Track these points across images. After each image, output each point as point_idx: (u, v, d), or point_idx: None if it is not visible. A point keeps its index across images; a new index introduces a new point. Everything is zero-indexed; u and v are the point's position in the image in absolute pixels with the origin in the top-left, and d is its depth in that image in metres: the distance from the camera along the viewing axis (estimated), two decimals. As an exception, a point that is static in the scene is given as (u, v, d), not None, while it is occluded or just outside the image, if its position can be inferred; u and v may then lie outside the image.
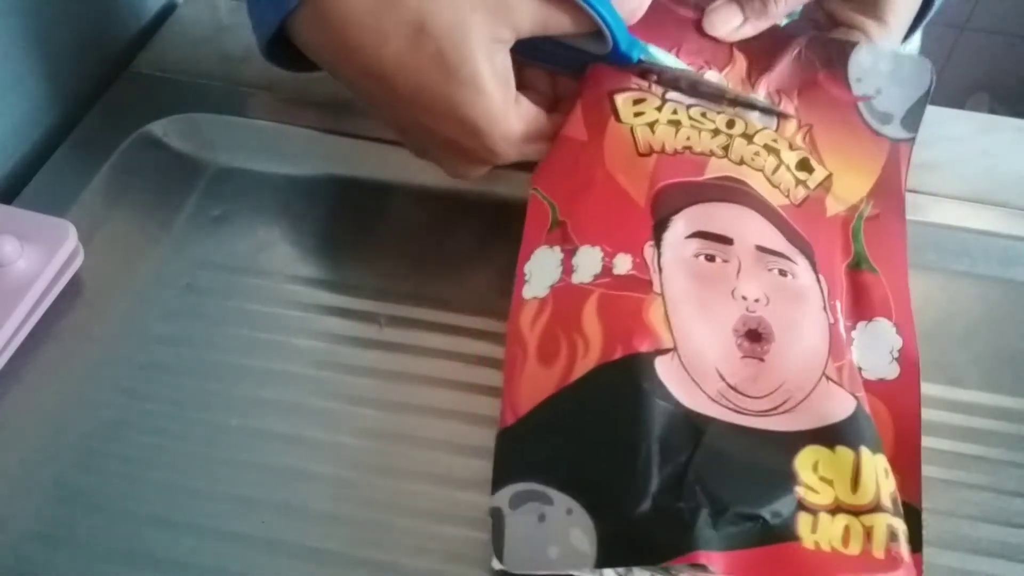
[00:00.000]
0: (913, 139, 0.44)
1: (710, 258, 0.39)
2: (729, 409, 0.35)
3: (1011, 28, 1.46)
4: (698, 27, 0.45)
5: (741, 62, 0.45)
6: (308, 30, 0.40)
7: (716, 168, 0.41)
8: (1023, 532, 0.39)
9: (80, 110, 0.52)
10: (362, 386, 0.42)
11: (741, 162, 0.42)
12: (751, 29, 0.45)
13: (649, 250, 0.39)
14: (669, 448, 0.34)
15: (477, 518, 0.38)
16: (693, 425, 0.35)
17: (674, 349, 0.36)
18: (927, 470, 0.40)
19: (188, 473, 0.39)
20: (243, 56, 0.56)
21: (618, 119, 0.42)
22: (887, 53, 0.45)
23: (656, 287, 0.38)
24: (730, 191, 0.40)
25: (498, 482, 0.36)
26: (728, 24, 0.45)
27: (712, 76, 0.44)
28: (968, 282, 0.47)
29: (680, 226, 0.39)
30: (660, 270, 0.38)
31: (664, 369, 0.36)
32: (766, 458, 0.34)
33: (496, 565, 0.35)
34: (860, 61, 0.45)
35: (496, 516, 0.35)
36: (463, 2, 0.38)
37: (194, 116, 0.52)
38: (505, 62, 0.40)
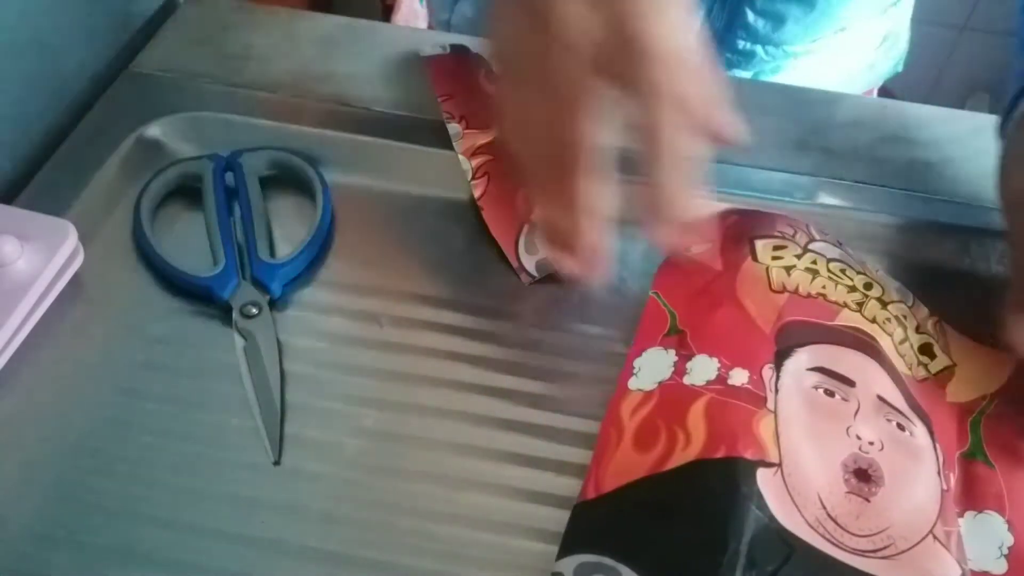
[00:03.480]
0: None
1: (830, 393, 0.38)
2: (825, 538, 0.35)
3: (1011, 28, 1.46)
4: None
5: None
6: None
7: (847, 319, 0.41)
8: None
9: (80, 110, 0.52)
10: (362, 386, 0.42)
11: (873, 320, 0.42)
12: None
13: (768, 371, 0.39)
14: (756, 557, 0.33)
15: (477, 518, 0.38)
16: (785, 542, 0.34)
17: (779, 465, 0.36)
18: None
19: (188, 473, 0.39)
20: (243, 56, 0.56)
21: (755, 259, 0.43)
22: None
23: (770, 404, 0.37)
24: (859, 341, 0.40)
25: (566, 550, 0.36)
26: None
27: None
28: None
29: (803, 358, 0.39)
30: (776, 391, 0.38)
31: (765, 481, 0.35)
32: None
33: None
34: None
35: None
36: None
37: (194, 116, 0.52)
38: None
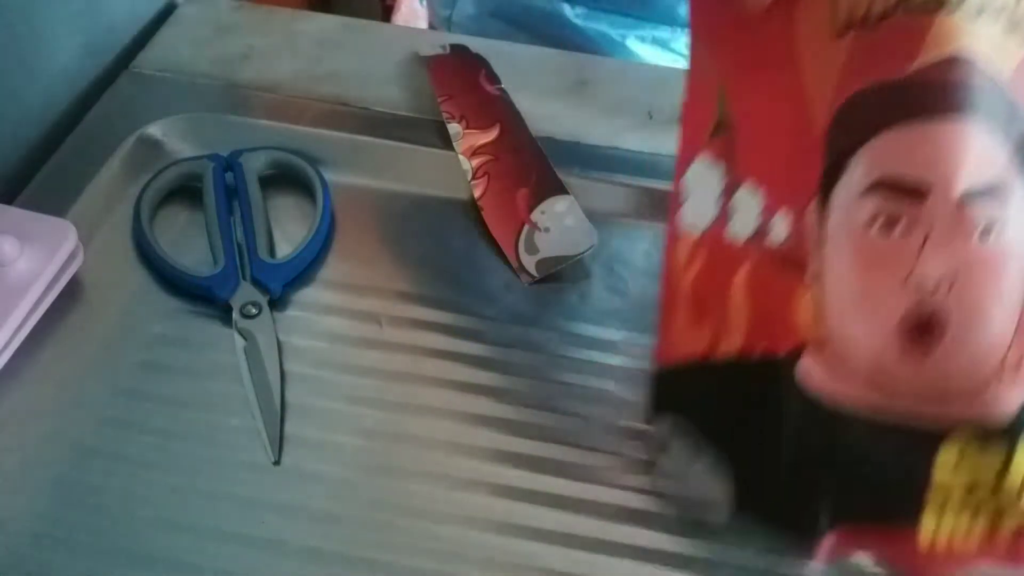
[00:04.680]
0: None
1: (889, 225, 0.31)
2: (878, 407, 0.33)
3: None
4: None
5: None
6: None
7: (936, 43, 0.30)
8: None
9: (80, 110, 0.52)
10: (362, 386, 0.42)
11: (981, 9, 0.30)
12: None
13: (814, 211, 0.33)
14: (807, 444, 0.34)
15: (477, 518, 0.38)
16: (833, 423, 0.33)
17: (823, 344, 0.33)
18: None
19: (188, 473, 0.39)
20: (243, 56, 0.56)
21: None
22: None
23: (814, 268, 0.33)
24: (946, 92, 0.30)
25: (656, 410, 0.37)
26: None
27: None
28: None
29: (859, 172, 0.31)
30: (823, 243, 0.33)
31: (809, 365, 0.34)
32: (902, 455, 0.33)
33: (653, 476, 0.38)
34: None
35: (654, 438, 0.37)
36: None
37: (194, 116, 0.52)
38: None
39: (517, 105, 0.52)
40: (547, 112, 0.53)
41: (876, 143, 0.31)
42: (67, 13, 0.52)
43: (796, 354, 0.34)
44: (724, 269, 0.35)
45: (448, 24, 0.72)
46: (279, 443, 0.39)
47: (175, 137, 0.51)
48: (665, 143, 0.52)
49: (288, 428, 0.40)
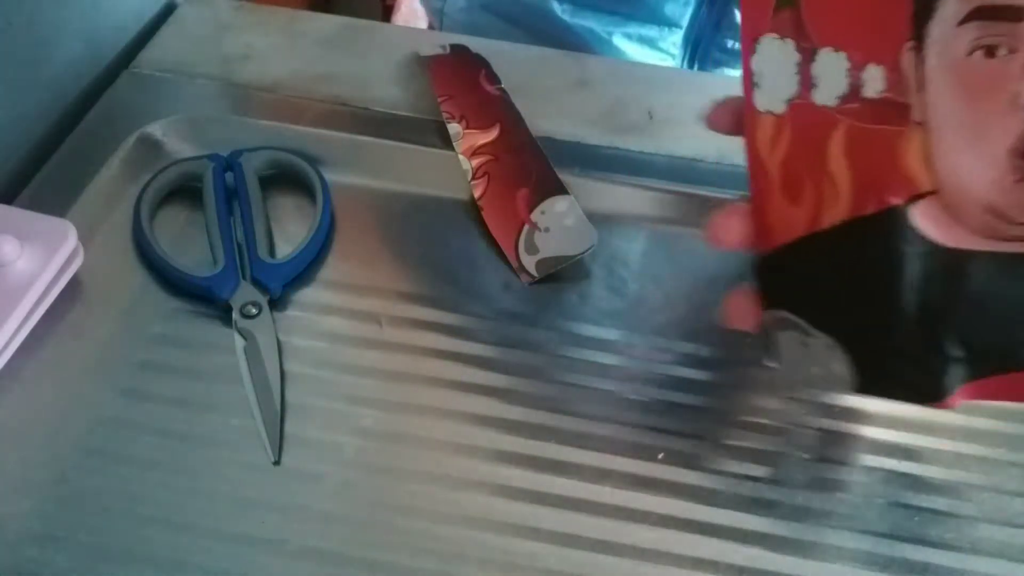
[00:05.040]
0: None
1: (989, 52, 0.30)
2: (997, 239, 0.32)
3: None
4: None
5: None
6: None
7: None
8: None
9: (80, 110, 0.52)
10: (362, 386, 0.42)
11: None
12: None
13: (908, 55, 0.31)
14: (928, 296, 0.33)
15: (477, 518, 0.38)
16: (954, 266, 0.32)
17: (935, 190, 0.32)
18: (928, 470, 0.40)
19: (188, 473, 0.39)
20: (243, 56, 0.56)
21: None
22: None
23: (916, 113, 0.32)
24: None
25: (764, 304, 0.36)
26: None
27: None
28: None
29: (952, 5, 0.30)
30: (923, 85, 0.31)
31: (923, 213, 0.33)
32: None
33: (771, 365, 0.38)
34: None
35: (768, 330, 0.36)
36: None
37: (194, 116, 0.52)
38: None
39: (517, 105, 0.52)
40: (547, 112, 0.53)
41: None
42: (67, 13, 0.52)
43: (910, 203, 0.33)
44: (817, 138, 0.34)
45: (440, 16, 0.72)
46: (279, 443, 0.39)
47: (175, 137, 0.51)
48: (665, 143, 0.52)
49: (288, 428, 0.40)
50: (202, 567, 0.36)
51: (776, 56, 0.34)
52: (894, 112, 0.32)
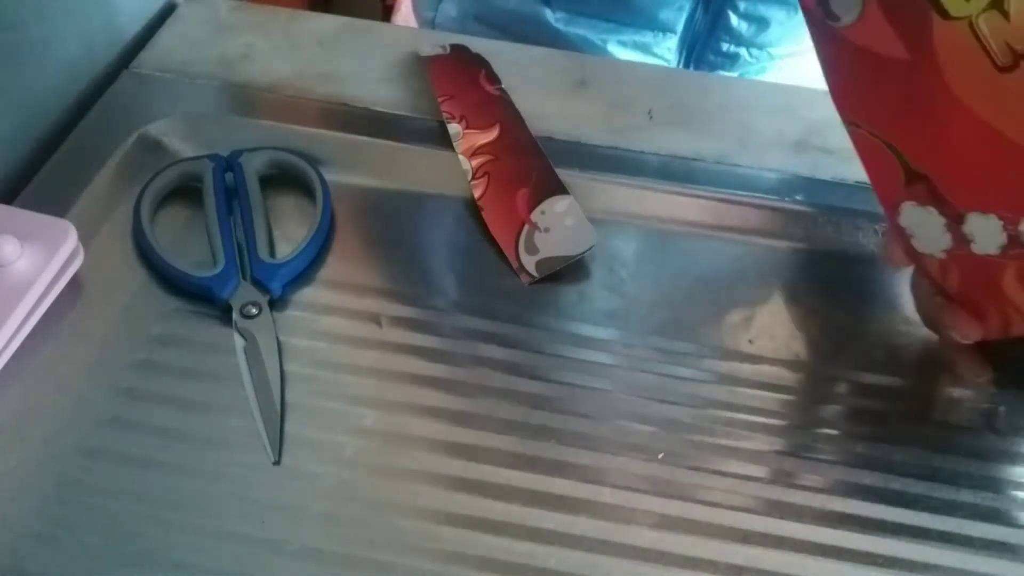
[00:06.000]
0: None
1: None
2: None
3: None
4: None
5: None
6: None
7: None
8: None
9: (80, 110, 0.52)
10: (362, 386, 0.42)
11: None
12: None
13: None
14: None
15: (477, 518, 0.38)
16: None
17: None
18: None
19: (188, 473, 0.39)
20: (243, 56, 0.56)
21: (944, 14, 0.28)
22: None
23: None
24: None
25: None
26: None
27: None
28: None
29: None
30: None
31: None
32: None
33: None
34: None
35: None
36: None
37: (194, 116, 0.52)
38: None
39: (517, 105, 0.52)
40: (547, 112, 0.53)
41: None
42: (67, 13, 0.52)
43: None
44: (988, 275, 0.33)
45: (431, 27, 0.72)
46: (279, 443, 0.39)
47: (175, 137, 0.51)
48: (665, 143, 0.52)
49: (288, 428, 0.40)
50: (202, 567, 0.36)
51: (922, 218, 0.33)
52: None
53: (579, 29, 0.64)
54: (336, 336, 0.44)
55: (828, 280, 0.48)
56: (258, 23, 0.58)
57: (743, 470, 0.40)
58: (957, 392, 0.43)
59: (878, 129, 0.32)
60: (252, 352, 0.42)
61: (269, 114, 0.53)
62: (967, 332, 0.37)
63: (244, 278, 0.44)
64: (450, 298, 0.45)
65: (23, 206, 0.45)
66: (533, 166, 0.49)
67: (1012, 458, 0.41)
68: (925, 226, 0.33)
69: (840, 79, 0.33)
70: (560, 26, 0.64)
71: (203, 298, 0.44)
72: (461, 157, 0.50)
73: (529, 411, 0.41)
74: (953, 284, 0.35)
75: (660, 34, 0.63)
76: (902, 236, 0.34)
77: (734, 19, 0.61)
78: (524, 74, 0.55)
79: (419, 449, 0.40)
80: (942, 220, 0.32)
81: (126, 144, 0.50)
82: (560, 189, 0.48)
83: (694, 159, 0.51)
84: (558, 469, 0.39)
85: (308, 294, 0.45)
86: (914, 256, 0.36)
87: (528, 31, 0.63)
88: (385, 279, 0.46)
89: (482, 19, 0.67)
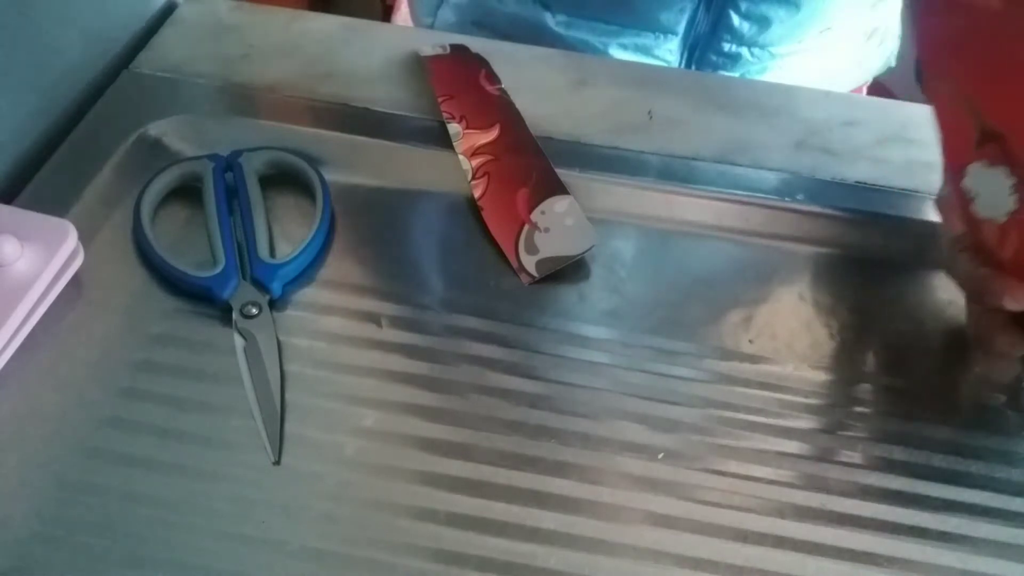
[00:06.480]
0: None
1: None
2: None
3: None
4: None
5: None
6: None
7: None
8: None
9: (80, 110, 0.52)
10: (362, 386, 0.42)
11: None
12: None
13: None
14: None
15: (477, 518, 0.38)
16: None
17: None
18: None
19: (188, 473, 0.39)
20: (243, 56, 0.56)
21: None
22: None
23: None
24: None
25: None
26: None
27: None
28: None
29: None
30: None
31: None
32: None
33: None
34: None
35: None
36: None
37: (194, 116, 0.52)
38: None
39: (517, 105, 0.52)
40: (547, 112, 0.53)
41: None
42: (67, 13, 0.52)
43: None
44: None
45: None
46: (279, 443, 0.39)
47: (175, 137, 0.51)
48: (665, 143, 0.52)
49: (288, 428, 0.40)
50: (202, 567, 0.36)
51: (988, 180, 0.34)
52: None
53: (580, 33, 0.63)
54: (336, 336, 0.44)
55: (828, 280, 0.48)
56: (258, 23, 0.58)
57: (743, 470, 0.40)
58: (959, 392, 0.43)
59: (961, 83, 0.33)
60: (252, 352, 0.42)
61: (269, 114, 0.53)
62: (1020, 297, 0.37)
63: (244, 278, 0.44)
64: (449, 298, 0.45)
65: (23, 206, 0.45)
66: (533, 166, 0.49)
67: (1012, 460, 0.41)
68: (991, 188, 0.33)
69: (930, 31, 0.33)
70: (560, 30, 0.63)
71: (203, 298, 0.44)
72: (461, 157, 0.50)
73: (529, 411, 0.41)
74: (1010, 250, 0.34)
75: (661, 36, 0.63)
76: (961, 201, 0.34)
77: (736, 19, 0.61)
78: (524, 74, 0.55)
79: (419, 449, 0.40)
80: (1010, 182, 0.33)
81: (126, 144, 0.50)
82: (560, 189, 0.48)
83: (694, 159, 0.51)
84: (558, 469, 0.39)
85: (308, 294, 0.45)
86: (971, 222, 0.35)
87: (528, 36, 0.63)
88: (385, 279, 0.46)
89: (481, 24, 0.67)
